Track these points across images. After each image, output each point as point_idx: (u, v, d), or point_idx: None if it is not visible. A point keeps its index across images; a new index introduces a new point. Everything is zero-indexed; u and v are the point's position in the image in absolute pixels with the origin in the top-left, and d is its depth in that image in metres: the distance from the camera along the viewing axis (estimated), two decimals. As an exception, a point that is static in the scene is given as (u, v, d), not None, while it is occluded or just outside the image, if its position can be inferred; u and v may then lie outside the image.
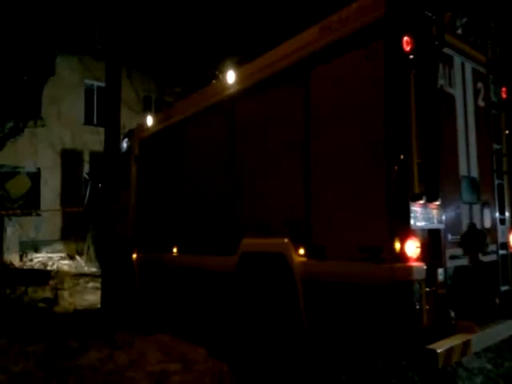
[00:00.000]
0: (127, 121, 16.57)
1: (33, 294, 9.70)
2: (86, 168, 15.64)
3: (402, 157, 2.86)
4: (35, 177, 14.66)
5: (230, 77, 4.65)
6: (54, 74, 14.07)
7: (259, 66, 4.26)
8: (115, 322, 6.08)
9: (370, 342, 3.10)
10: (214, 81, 6.13)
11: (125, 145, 7.06)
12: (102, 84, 16.05)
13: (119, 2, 6.31)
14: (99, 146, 16.20)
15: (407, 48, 2.93)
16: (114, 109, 6.30)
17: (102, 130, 15.78)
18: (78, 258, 13.90)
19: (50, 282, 10.64)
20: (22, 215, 13.92)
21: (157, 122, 6.21)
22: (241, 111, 4.53)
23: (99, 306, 8.49)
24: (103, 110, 15.99)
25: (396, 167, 2.86)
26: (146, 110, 16.86)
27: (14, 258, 12.90)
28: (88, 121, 15.60)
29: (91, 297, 9.50)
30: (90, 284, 10.89)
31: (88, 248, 13.68)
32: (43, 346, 5.21)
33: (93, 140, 15.67)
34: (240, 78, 4.54)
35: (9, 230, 12.51)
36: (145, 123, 6.47)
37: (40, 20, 12.20)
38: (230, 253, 4.45)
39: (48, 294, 9.65)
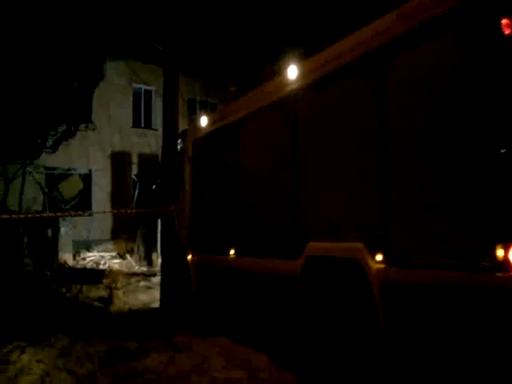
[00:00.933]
0: (172, 122, 16.94)
1: (88, 292, 9.97)
2: (135, 169, 16.00)
3: (503, 151, 2.55)
4: (87, 178, 15.17)
5: (291, 72, 4.45)
6: (104, 78, 14.47)
7: (325, 58, 4.03)
8: (173, 323, 6.06)
9: (463, 360, 2.79)
10: (265, 78, 5.98)
11: (179, 146, 7.06)
12: (149, 87, 16.55)
13: (179, 4, 6.28)
14: (146, 148, 16.63)
15: (507, 31, 2.61)
16: (171, 111, 6.29)
17: (148, 132, 16.33)
18: (128, 256, 14.22)
19: (104, 281, 10.91)
20: (75, 216, 14.42)
21: (211, 121, 6.12)
22: (304, 107, 4.32)
23: (153, 305, 8.58)
24: (150, 112, 16.40)
25: (497, 162, 2.55)
26: (191, 112, 17.04)
27: (67, 257, 13.37)
28: (136, 123, 15.96)
29: (144, 296, 9.63)
30: (142, 283, 11.08)
31: (138, 247, 13.97)
32: (105, 347, 5.26)
33: (140, 142, 16.05)
34: (302, 73, 4.33)
35: (63, 230, 12.98)
36: (198, 124, 6.41)
37: (89, 25, 12.56)
38: (294, 256, 4.26)
39: (102, 292, 9.89)
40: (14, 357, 4.96)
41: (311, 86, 4.23)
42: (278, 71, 4.95)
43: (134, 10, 13.55)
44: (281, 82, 4.72)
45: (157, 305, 8.52)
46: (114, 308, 8.40)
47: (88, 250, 14.98)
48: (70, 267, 12.60)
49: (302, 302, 4.18)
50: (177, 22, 6.28)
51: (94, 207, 15.28)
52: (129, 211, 11.63)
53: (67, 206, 15.12)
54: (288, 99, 4.53)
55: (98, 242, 15.38)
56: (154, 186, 10.11)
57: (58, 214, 12.82)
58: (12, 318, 7.19)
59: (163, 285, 6.52)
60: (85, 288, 10.09)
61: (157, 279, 11.83)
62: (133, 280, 11.22)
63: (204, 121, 6.27)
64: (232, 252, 5.40)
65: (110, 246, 15.70)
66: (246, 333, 5.16)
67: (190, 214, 6.52)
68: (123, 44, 14.21)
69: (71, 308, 8.42)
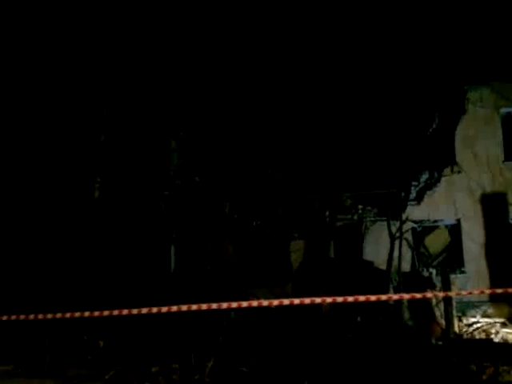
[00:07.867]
0: None
1: (506, 376, 7.60)
2: (512, 213, 12.94)
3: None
4: (455, 229, 13.29)
5: None
6: (465, 112, 12.73)
7: None
8: None
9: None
10: None
11: None
12: (522, 109, 13.54)
13: None
14: (524, 184, 13.38)
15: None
16: None
17: (527, 164, 13.05)
18: (526, 327, 10.94)
19: (521, 362, 8.23)
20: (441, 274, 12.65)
21: None
22: None
23: None
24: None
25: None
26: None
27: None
28: (508, 156, 13.10)
29: None
30: None
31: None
32: None
33: (516, 178, 13.00)
34: None
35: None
36: None
37: (451, 57, 11.28)
38: None
39: (530, 381, 7.25)
40: None
41: None
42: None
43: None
44: None
45: None
46: None
47: (463, 313, 12.73)
48: (461, 337, 10.60)
49: None
50: None
51: (467, 261, 13.10)
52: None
53: (434, 262, 13.59)
54: None
55: (475, 305, 12.91)
56: None
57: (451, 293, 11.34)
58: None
59: None
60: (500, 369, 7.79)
61: None
62: None
63: None
64: None
65: (488, 309, 12.96)
66: None
67: None
68: (483, 67, 12.16)
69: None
